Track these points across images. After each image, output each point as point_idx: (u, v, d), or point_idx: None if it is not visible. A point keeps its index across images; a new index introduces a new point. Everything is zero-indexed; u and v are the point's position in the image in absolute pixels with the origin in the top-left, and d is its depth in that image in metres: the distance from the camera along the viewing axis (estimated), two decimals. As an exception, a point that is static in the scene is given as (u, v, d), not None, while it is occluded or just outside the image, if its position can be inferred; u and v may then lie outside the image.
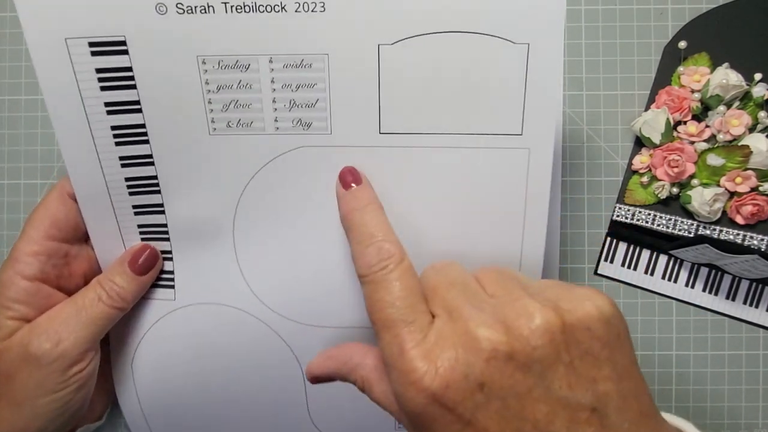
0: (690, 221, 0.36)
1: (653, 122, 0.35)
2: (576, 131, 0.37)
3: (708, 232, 0.36)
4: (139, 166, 0.31)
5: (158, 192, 0.32)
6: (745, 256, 0.33)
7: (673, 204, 0.37)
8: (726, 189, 0.35)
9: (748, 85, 0.35)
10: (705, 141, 0.36)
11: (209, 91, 0.29)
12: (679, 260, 0.37)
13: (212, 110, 0.30)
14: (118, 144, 0.30)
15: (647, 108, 0.37)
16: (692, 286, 0.37)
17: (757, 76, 0.35)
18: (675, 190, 0.36)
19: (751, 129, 0.35)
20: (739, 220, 0.36)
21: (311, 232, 0.32)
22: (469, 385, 0.21)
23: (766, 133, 0.35)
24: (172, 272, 0.33)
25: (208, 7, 0.28)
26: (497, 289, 0.24)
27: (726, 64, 0.36)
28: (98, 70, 0.29)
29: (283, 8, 0.28)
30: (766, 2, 0.36)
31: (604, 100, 0.37)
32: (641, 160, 0.36)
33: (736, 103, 0.35)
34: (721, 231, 0.36)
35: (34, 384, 0.29)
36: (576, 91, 0.37)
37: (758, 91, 0.35)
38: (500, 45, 0.29)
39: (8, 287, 0.30)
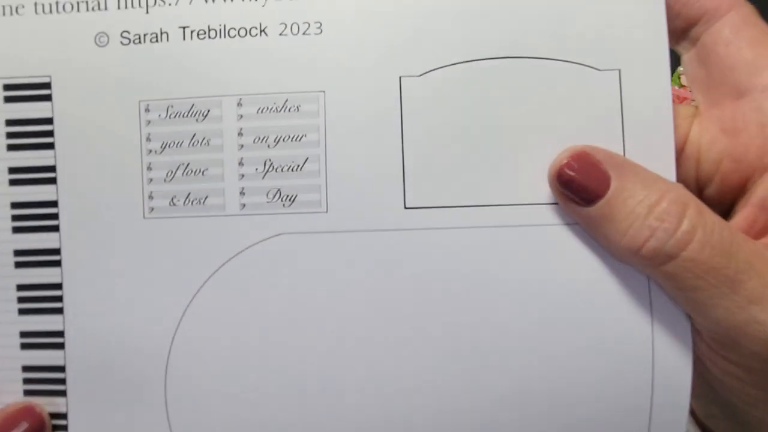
0: None
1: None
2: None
3: None
4: (39, 267, 0.20)
5: (59, 309, 0.20)
6: None
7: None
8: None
9: None
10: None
11: (150, 151, 0.20)
12: None
13: (151, 180, 0.20)
14: (15, 231, 0.20)
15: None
16: None
17: None
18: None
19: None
20: None
21: (292, 373, 0.19)
22: None
23: None
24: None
25: (161, 34, 0.20)
26: None
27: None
28: (9, 122, 0.20)
29: (262, 31, 0.19)
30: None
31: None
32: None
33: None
34: None
35: None
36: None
37: None
38: (578, 73, 0.19)
39: None
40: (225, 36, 0.19)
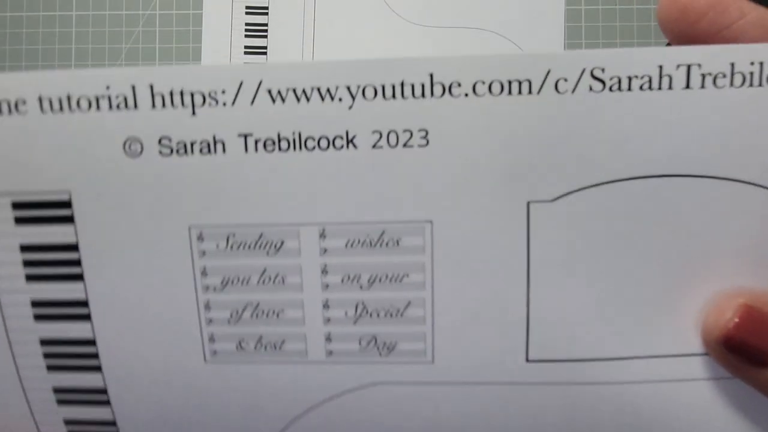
0: None
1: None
2: None
3: None
4: (84, 405, 0.17)
5: (111, 459, 0.17)
6: None
7: None
8: None
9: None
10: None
11: (207, 287, 0.16)
12: None
13: (211, 320, 0.16)
14: (50, 369, 0.17)
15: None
16: None
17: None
18: None
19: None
20: None
21: None
22: None
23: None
24: None
25: (215, 143, 0.15)
26: None
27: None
28: (24, 248, 0.16)
29: (350, 141, 0.15)
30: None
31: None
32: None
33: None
34: None
35: None
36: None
37: None
38: (752, 195, 0.15)
39: None
40: (301, 147, 0.15)
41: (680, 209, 0.15)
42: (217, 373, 0.16)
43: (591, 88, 0.14)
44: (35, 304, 0.16)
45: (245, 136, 0.14)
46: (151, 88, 0.14)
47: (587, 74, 0.14)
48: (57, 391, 0.17)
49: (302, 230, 0.15)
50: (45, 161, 0.15)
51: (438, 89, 0.14)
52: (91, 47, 0.43)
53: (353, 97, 0.14)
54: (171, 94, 0.14)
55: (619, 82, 0.14)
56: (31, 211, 0.15)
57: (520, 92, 0.14)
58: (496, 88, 0.14)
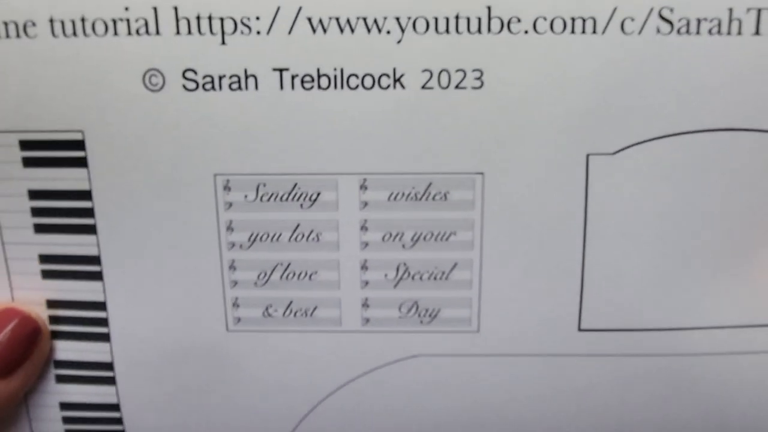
0: None
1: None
2: None
3: None
4: (89, 384, 0.15)
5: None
6: None
7: None
8: None
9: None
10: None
11: (233, 245, 0.14)
12: None
13: (236, 283, 0.14)
14: (55, 336, 0.15)
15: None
16: None
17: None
18: None
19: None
20: None
21: None
22: None
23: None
24: None
25: (246, 77, 0.13)
26: None
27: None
28: (33, 194, 0.14)
29: (397, 81, 0.13)
30: None
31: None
32: None
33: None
34: None
35: None
36: None
37: None
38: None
39: None
40: (342, 86, 0.13)
41: (749, 166, 0.14)
42: (241, 343, 0.15)
43: (658, 30, 0.13)
44: (44, 259, 0.14)
45: (281, 71, 0.13)
46: (176, 11, 0.13)
47: (655, 14, 0.13)
48: (57, 365, 0.15)
49: (341, 181, 0.14)
50: (56, 94, 0.13)
51: (496, 24, 0.13)
52: None
53: (402, 30, 0.13)
54: (198, 18, 0.13)
55: (688, 24, 0.13)
56: (41, 151, 0.14)
57: (583, 31, 0.13)
58: (558, 25, 0.13)
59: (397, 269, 0.14)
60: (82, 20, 0.13)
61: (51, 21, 0.13)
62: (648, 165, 0.14)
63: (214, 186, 0.14)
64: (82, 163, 0.14)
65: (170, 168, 0.14)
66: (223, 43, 0.13)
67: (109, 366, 0.15)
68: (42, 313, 0.15)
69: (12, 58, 0.13)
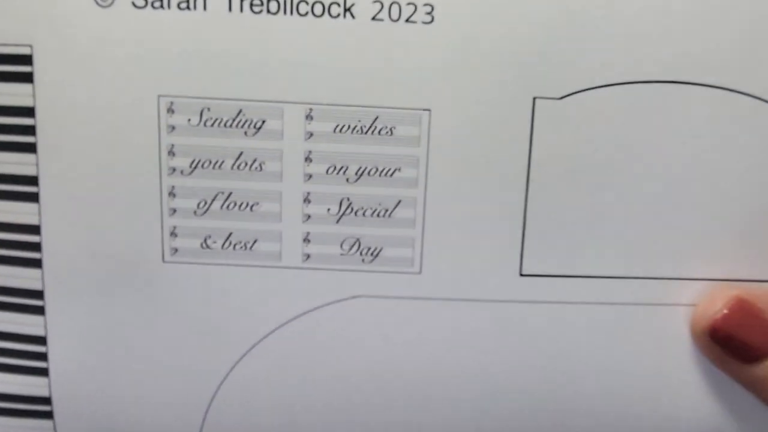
0: None
1: None
2: None
3: None
4: (18, 312, 0.15)
5: (43, 370, 0.15)
6: None
7: None
8: None
9: None
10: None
11: (174, 170, 0.14)
12: None
13: (175, 211, 0.14)
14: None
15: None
16: None
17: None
18: None
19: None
20: None
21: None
22: None
23: None
24: None
25: (193, -2, 0.13)
26: None
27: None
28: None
29: (347, 10, 0.13)
30: None
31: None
32: None
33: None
34: None
35: None
36: None
37: None
38: (760, 111, 0.14)
39: None
40: (292, 12, 0.13)
41: (690, 119, 0.14)
42: (178, 275, 0.14)
43: (608, -21, 0.14)
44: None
45: (231, -7, 0.13)
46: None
47: (606, -42, 0.13)
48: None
49: (287, 109, 0.14)
50: (6, 7, 0.13)
51: (447, -40, 0.13)
52: None
53: (354, -41, 0.13)
54: (151, -66, 0.13)
55: (637, -25, 0.14)
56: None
57: (534, -27, 0.13)
58: (509, -35, 0.13)
59: (340, 204, 0.14)
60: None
61: None
62: (593, 112, 0.14)
63: (158, 107, 0.14)
64: (28, 78, 0.13)
65: (115, 87, 0.13)
66: (174, -40, 0.13)
67: (39, 294, 0.15)
68: (-28, 235, 0.14)
69: (-47, -42, 0.13)
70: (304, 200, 0.14)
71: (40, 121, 0.14)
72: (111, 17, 0.13)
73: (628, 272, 0.15)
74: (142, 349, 0.15)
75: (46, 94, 0.13)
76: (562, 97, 0.14)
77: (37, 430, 0.15)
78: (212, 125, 0.14)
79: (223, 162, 0.14)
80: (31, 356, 0.15)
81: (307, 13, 0.13)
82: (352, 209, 0.14)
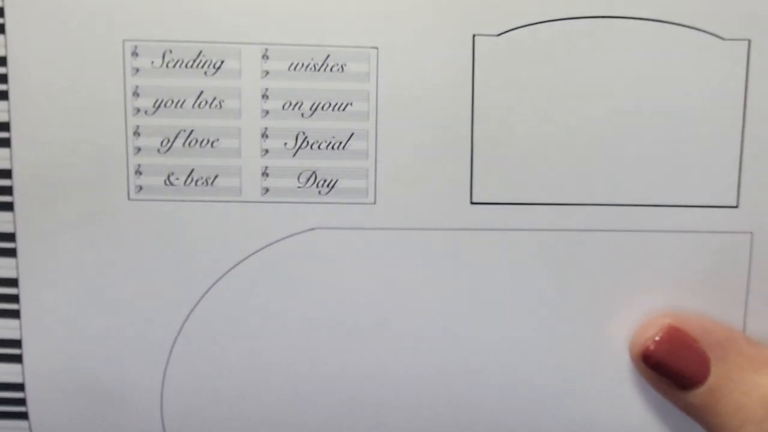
0: None
1: None
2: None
3: None
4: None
5: (15, 312, 0.16)
6: None
7: None
8: None
9: None
10: None
11: (138, 110, 0.15)
12: None
13: (139, 149, 0.15)
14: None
15: None
16: None
17: None
18: None
19: None
20: None
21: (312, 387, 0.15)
22: None
23: None
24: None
25: (154, -52, 0.14)
26: None
27: None
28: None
29: (297, -42, 0.15)
30: None
31: None
32: None
33: None
34: None
35: None
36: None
37: None
38: (693, 41, 0.15)
39: None
40: (246, -40, 0.14)
41: (624, 52, 0.15)
42: (143, 212, 0.15)
43: None
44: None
45: (189, -57, 0.14)
46: None
47: None
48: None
49: (244, 50, 0.15)
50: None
51: None
52: None
53: None
54: None
55: None
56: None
57: None
58: None
59: (296, 138, 0.15)
60: None
61: None
62: (529, 47, 0.15)
63: (123, 51, 0.15)
64: (0, 29, 0.14)
65: (83, 33, 0.14)
66: None
67: (11, 237, 0.15)
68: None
69: None
70: (262, 135, 0.15)
71: (12, 70, 0.15)
72: (79, -32, 0.14)
73: (575, 199, 0.15)
74: (109, 286, 0.15)
75: (18, 44, 0.14)
76: (499, 34, 0.15)
77: (7, 374, 0.16)
78: (174, 66, 0.15)
79: (184, 101, 0.15)
80: (2, 299, 0.15)
81: (260, -40, 0.14)
82: (307, 143, 0.15)
